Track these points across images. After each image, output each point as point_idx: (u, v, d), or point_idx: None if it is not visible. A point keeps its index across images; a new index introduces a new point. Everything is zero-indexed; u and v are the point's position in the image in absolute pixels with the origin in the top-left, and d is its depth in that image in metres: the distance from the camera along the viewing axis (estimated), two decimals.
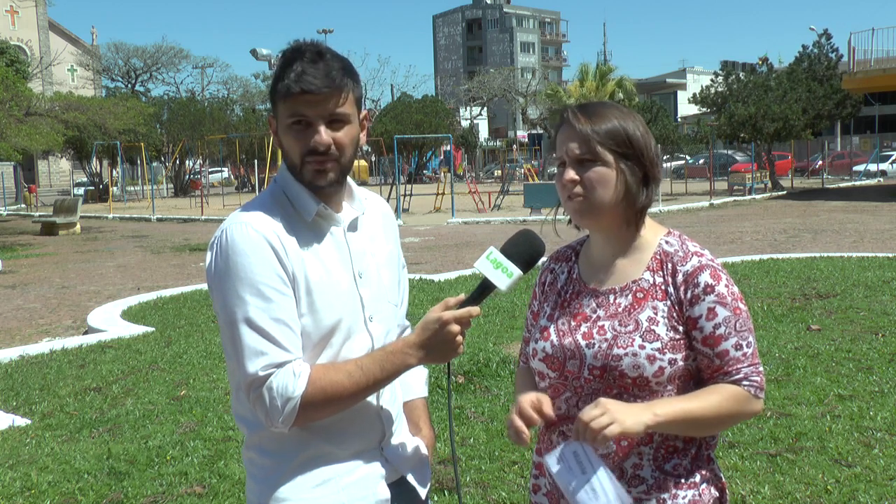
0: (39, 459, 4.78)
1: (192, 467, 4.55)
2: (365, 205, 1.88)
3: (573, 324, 1.79)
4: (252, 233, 1.67)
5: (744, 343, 1.69)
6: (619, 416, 1.59)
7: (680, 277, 1.72)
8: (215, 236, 1.72)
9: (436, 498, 4.05)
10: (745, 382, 1.68)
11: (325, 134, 1.72)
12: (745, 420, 1.80)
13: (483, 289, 1.73)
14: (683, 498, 1.70)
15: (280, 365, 1.64)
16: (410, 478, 1.90)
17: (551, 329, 1.82)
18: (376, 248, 1.88)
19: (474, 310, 1.70)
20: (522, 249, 1.76)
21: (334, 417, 1.74)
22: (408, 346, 1.70)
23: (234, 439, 4.98)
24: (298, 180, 1.77)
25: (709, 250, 1.80)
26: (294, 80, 1.69)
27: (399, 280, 1.97)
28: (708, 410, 1.66)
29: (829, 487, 4.00)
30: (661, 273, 1.75)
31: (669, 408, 1.65)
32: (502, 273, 1.72)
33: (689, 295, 1.71)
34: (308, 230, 1.75)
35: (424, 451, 1.98)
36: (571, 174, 1.73)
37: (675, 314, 1.71)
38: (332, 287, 1.74)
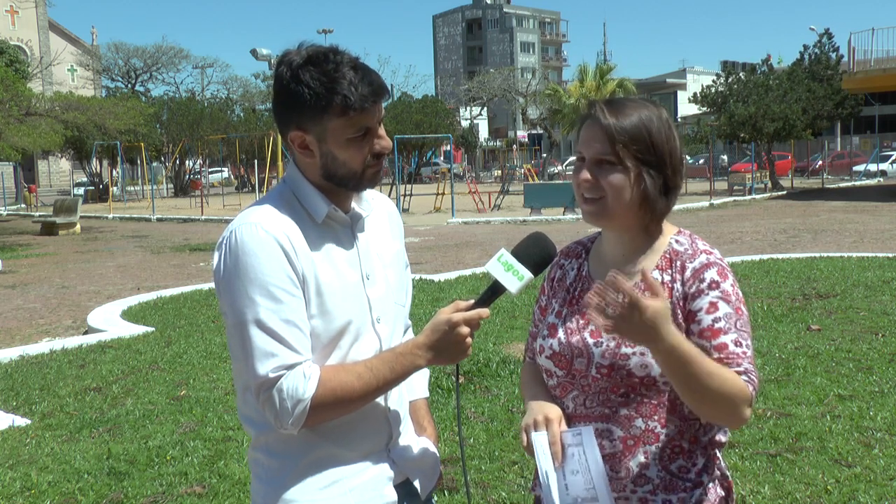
0: (39, 459, 4.78)
1: (192, 467, 4.55)
2: (372, 205, 1.88)
3: (581, 322, 1.78)
4: (262, 233, 1.66)
5: (743, 342, 1.66)
6: (624, 332, 1.53)
7: (688, 273, 1.71)
8: (223, 237, 1.71)
9: (436, 498, 4.04)
10: (744, 377, 1.63)
11: (386, 137, 1.75)
12: (726, 423, 1.73)
13: (493, 291, 1.72)
14: (690, 497, 1.69)
15: (290, 367, 1.63)
16: (417, 479, 1.89)
17: (559, 326, 1.81)
18: (383, 248, 1.87)
19: (484, 312, 1.69)
20: (533, 252, 1.74)
21: (342, 419, 1.73)
22: (417, 348, 1.70)
23: (234, 439, 4.98)
24: (342, 185, 1.75)
25: (718, 250, 1.80)
26: (358, 95, 1.65)
27: (404, 280, 1.97)
28: (707, 374, 1.56)
29: (829, 487, 4.00)
30: (669, 271, 1.74)
31: (682, 343, 1.55)
32: (513, 276, 1.71)
33: (693, 289, 1.69)
34: (318, 231, 1.74)
35: (434, 450, 1.98)
36: (587, 175, 1.71)
37: (679, 311, 1.70)
38: (342, 288, 1.74)
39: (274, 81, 1.74)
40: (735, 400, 1.60)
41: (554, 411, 1.74)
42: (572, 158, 1.83)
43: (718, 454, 1.77)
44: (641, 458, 1.70)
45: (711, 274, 1.70)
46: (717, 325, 1.66)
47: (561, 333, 1.79)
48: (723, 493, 1.75)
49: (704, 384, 1.57)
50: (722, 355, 1.63)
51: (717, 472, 1.75)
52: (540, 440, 1.71)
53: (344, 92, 1.65)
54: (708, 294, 1.68)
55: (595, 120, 1.72)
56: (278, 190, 1.79)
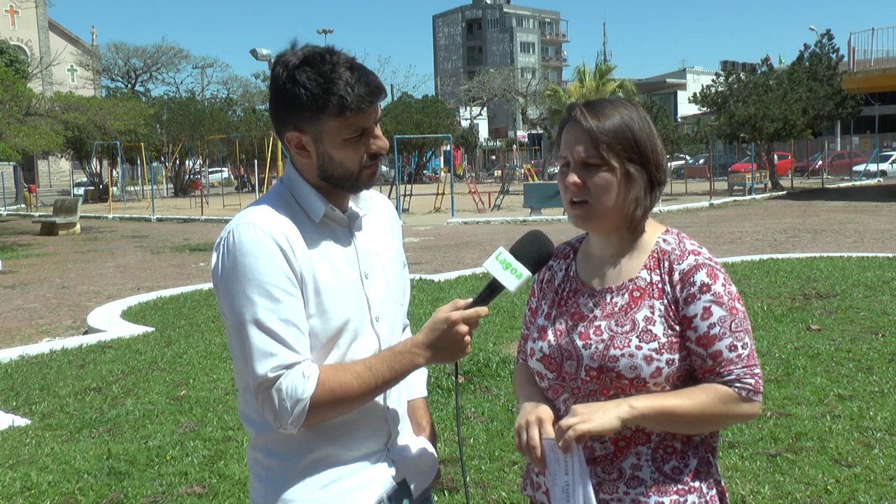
0: (39, 459, 4.78)
1: (192, 467, 4.55)
2: (370, 204, 1.88)
3: (570, 323, 1.77)
4: (260, 233, 1.66)
5: (739, 344, 1.67)
6: (588, 416, 1.62)
7: (676, 276, 1.70)
8: (221, 237, 1.71)
9: (436, 498, 4.04)
10: (736, 384, 1.66)
11: (383, 137, 1.74)
12: (739, 422, 1.78)
13: (492, 289, 1.72)
14: (683, 501, 1.68)
15: (289, 366, 1.63)
16: (415, 479, 1.89)
17: (549, 329, 1.80)
18: (381, 247, 1.87)
19: (482, 310, 1.69)
20: (531, 250, 1.74)
21: (341, 419, 1.73)
22: (416, 346, 1.69)
23: (234, 439, 4.98)
24: (339, 185, 1.75)
25: (707, 249, 1.79)
26: (354, 95, 1.65)
27: (402, 279, 1.97)
28: (691, 408, 1.64)
29: (829, 487, 3.99)
30: (657, 271, 1.73)
31: (647, 402, 1.64)
32: (511, 274, 1.70)
33: (684, 294, 1.69)
34: (315, 231, 1.74)
35: (432, 450, 1.98)
36: (575, 178, 1.71)
37: (671, 313, 1.69)
38: (340, 288, 1.74)
39: (270, 82, 1.74)
40: (725, 411, 1.67)
41: (546, 412, 1.73)
42: None
43: (712, 458, 1.76)
44: (634, 459, 1.70)
45: (701, 276, 1.69)
46: (711, 332, 1.67)
47: (550, 336, 1.79)
48: (717, 498, 1.74)
49: (689, 416, 1.65)
50: (715, 363, 1.67)
51: (711, 476, 1.74)
52: (547, 443, 1.71)
53: (340, 93, 1.65)
54: (700, 299, 1.67)
55: (576, 123, 1.72)
56: (276, 190, 1.79)
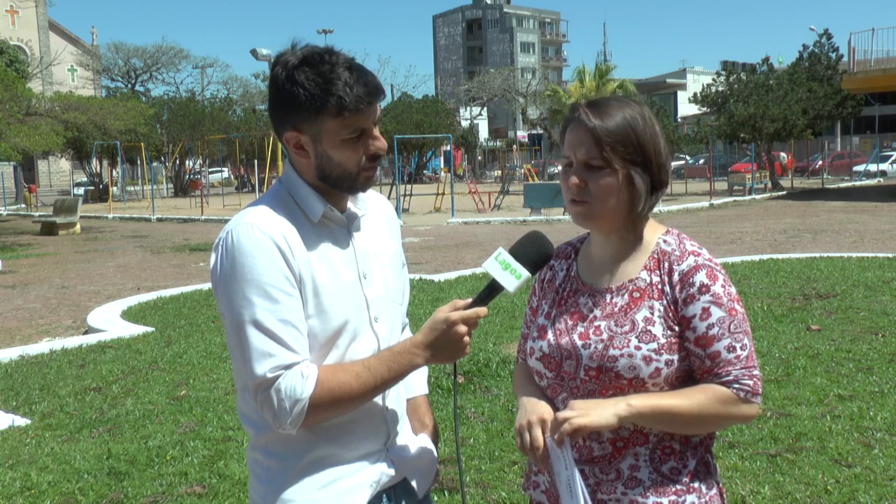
0: (39, 459, 4.78)
1: (192, 467, 4.55)
2: (368, 204, 1.88)
3: (570, 323, 1.77)
4: (258, 234, 1.66)
5: (737, 345, 1.66)
6: (586, 411, 1.61)
7: (676, 276, 1.70)
8: (220, 237, 1.71)
9: (436, 498, 4.04)
10: (734, 385, 1.65)
11: (381, 138, 1.74)
12: (737, 424, 1.77)
13: (491, 290, 1.72)
14: (681, 501, 1.68)
15: (288, 366, 1.63)
16: (415, 479, 1.90)
17: (549, 328, 1.80)
18: (380, 248, 1.87)
19: (482, 310, 1.69)
20: (531, 251, 1.74)
21: (340, 419, 1.73)
22: (415, 347, 1.69)
23: (234, 439, 4.98)
24: (337, 186, 1.75)
25: (707, 250, 1.79)
26: (353, 96, 1.65)
27: (402, 280, 1.97)
28: (689, 408, 1.64)
29: (829, 487, 4.00)
30: (657, 272, 1.73)
31: (646, 401, 1.64)
32: (510, 274, 1.70)
33: (684, 294, 1.68)
34: (314, 231, 1.75)
35: (431, 448, 1.98)
36: (576, 179, 1.71)
37: (670, 314, 1.69)
38: (338, 288, 1.74)
39: (269, 82, 1.74)
40: (723, 412, 1.66)
41: (547, 411, 1.73)
42: None
43: (711, 459, 1.76)
44: (632, 460, 1.70)
45: (701, 277, 1.69)
46: (710, 333, 1.66)
47: (550, 335, 1.79)
48: (716, 498, 1.74)
49: (687, 416, 1.65)
50: (713, 364, 1.67)
51: (709, 476, 1.74)
52: (551, 442, 1.71)
53: (339, 93, 1.65)
54: (699, 299, 1.67)
55: (580, 122, 1.71)
56: (274, 190, 1.80)
